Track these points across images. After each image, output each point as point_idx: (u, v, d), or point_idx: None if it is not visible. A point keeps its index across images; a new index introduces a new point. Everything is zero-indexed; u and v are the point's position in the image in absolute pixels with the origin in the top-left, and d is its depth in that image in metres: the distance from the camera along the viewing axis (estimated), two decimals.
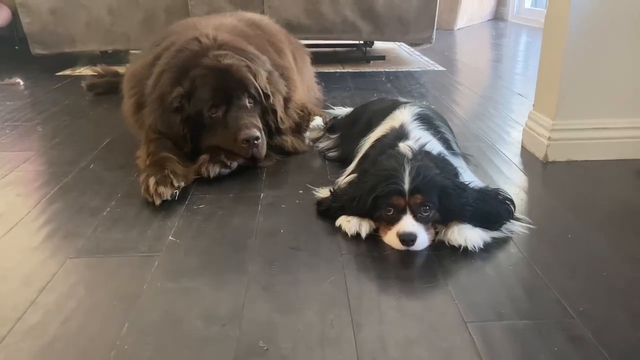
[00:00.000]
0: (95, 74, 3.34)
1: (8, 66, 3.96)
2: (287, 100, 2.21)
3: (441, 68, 4.01)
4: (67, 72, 3.84)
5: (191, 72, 1.93)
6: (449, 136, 1.78)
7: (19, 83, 3.46)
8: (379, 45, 4.68)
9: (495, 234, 1.49)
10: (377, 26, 3.84)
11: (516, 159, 2.11)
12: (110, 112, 2.76)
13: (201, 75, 1.92)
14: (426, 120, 1.74)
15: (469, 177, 1.63)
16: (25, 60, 4.04)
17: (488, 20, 7.16)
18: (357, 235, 1.49)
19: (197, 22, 2.28)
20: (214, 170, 1.85)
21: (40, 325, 1.15)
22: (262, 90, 2.01)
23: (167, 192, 1.69)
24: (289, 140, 2.16)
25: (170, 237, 1.51)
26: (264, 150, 1.97)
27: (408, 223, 1.41)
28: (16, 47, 4.34)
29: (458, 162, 1.66)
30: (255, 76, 2.00)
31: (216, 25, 2.22)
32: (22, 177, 1.97)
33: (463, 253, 1.41)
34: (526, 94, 3.10)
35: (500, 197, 1.53)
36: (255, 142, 1.90)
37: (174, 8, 3.74)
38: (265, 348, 1.08)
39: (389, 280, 1.32)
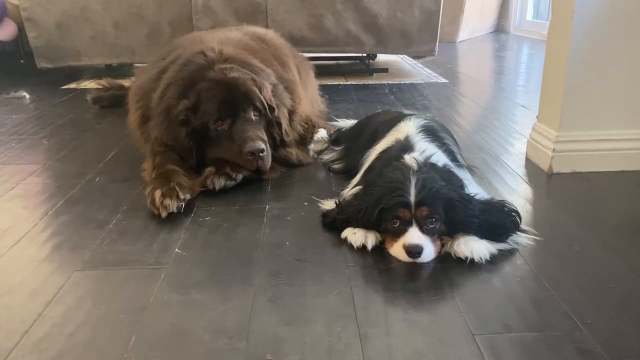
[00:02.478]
0: (101, 87, 3.36)
1: (14, 80, 3.99)
2: (291, 113, 2.22)
3: (444, 80, 4.03)
4: (73, 85, 3.87)
5: (197, 85, 1.94)
6: (454, 148, 1.79)
7: (24, 96, 3.49)
8: (381, 57, 4.71)
9: (502, 245, 1.49)
10: (380, 39, 3.86)
11: (521, 170, 2.12)
12: (116, 125, 2.78)
13: (207, 89, 1.93)
14: (431, 132, 1.75)
15: (474, 189, 1.63)
16: (30, 74, 4.07)
17: (490, 32, 7.20)
18: (363, 247, 1.49)
19: (203, 36, 2.30)
20: (220, 183, 1.86)
21: (48, 339, 1.15)
22: (267, 103, 2.02)
23: (173, 205, 1.70)
24: (293, 153, 2.17)
25: (176, 250, 1.51)
26: (269, 162, 1.97)
27: (414, 235, 1.41)
28: (22, 61, 4.38)
29: (463, 174, 1.67)
30: (260, 89, 2.01)
31: (222, 39, 2.24)
32: (29, 190, 1.98)
33: (469, 265, 1.41)
34: (529, 106, 3.11)
35: (506, 208, 1.53)
36: (261, 154, 1.91)
37: (178, 22, 3.77)
38: None
39: (395, 292, 1.32)
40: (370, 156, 1.77)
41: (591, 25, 1.93)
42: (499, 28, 7.32)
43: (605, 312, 1.22)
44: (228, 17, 3.68)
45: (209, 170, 1.90)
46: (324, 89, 3.20)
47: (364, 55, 4.32)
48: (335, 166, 2.13)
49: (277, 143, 2.11)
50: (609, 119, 2.05)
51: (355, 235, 1.51)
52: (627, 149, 2.06)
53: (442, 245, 1.47)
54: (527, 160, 2.22)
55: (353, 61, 4.62)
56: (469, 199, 1.49)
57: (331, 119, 2.71)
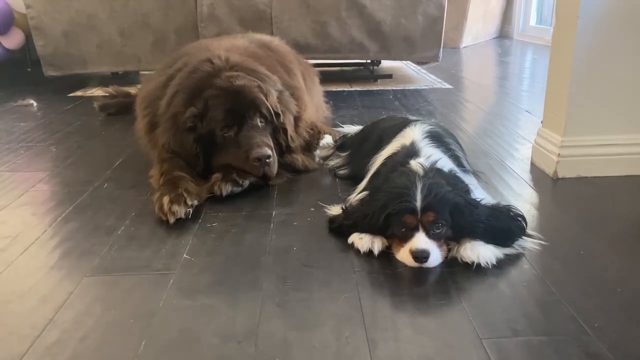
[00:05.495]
0: (107, 94, 3.39)
1: (21, 88, 4.02)
2: (297, 119, 2.24)
3: (448, 86, 4.04)
4: (79, 93, 3.89)
5: (204, 92, 1.96)
6: (459, 153, 1.80)
7: (32, 104, 3.52)
8: (386, 63, 4.73)
9: (508, 250, 1.49)
10: (384, 45, 3.88)
11: (526, 175, 2.12)
12: (122, 132, 2.80)
13: (214, 96, 1.95)
14: (437, 138, 1.76)
15: (480, 194, 1.64)
16: (38, 82, 4.11)
17: (493, 38, 7.21)
18: (370, 252, 1.50)
19: (209, 44, 2.32)
20: (227, 189, 1.87)
21: (59, 344, 1.16)
22: (273, 109, 2.04)
23: (180, 211, 1.71)
24: (299, 159, 2.18)
25: (184, 255, 1.53)
26: (275, 168, 1.99)
27: (421, 240, 1.42)
28: (29, 69, 4.41)
29: (469, 179, 1.68)
30: (266, 96, 2.03)
31: (228, 46, 2.27)
32: (37, 197, 2.00)
33: (476, 270, 1.42)
34: (533, 111, 3.12)
35: (511, 213, 1.54)
36: (267, 160, 1.92)
37: (184, 30, 3.81)
38: None
39: (402, 297, 1.33)
40: (376, 162, 1.78)
41: (595, 31, 1.94)
42: (503, 33, 7.33)
43: (612, 315, 1.23)
44: (233, 24, 3.71)
45: (216, 176, 1.91)
46: (328, 95, 3.22)
47: (368, 61, 4.33)
48: (341, 172, 2.14)
49: (283, 149, 2.13)
50: (613, 123, 2.06)
51: (362, 241, 1.52)
52: (632, 154, 2.06)
53: (449, 250, 1.48)
54: (532, 165, 2.22)
55: (357, 67, 4.64)
56: (475, 204, 1.50)
57: (336, 125, 2.72)
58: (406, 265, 1.44)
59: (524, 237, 1.53)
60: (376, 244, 1.50)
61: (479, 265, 1.42)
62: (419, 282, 1.40)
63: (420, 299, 1.32)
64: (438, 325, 1.21)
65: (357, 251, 1.52)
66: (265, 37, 2.76)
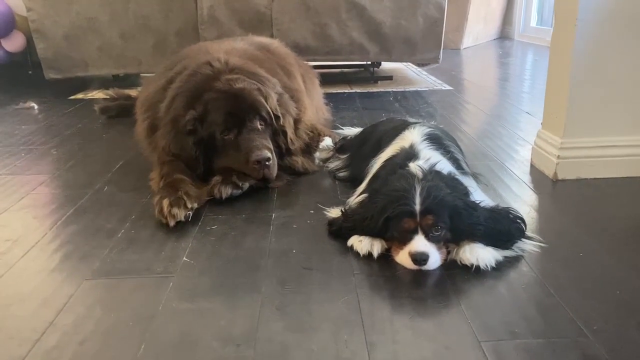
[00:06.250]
0: (108, 97, 3.40)
1: (22, 91, 4.03)
2: (297, 122, 2.24)
3: (448, 87, 4.05)
4: (80, 95, 3.90)
5: (204, 95, 1.97)
6: (458, 156, 1.80)
7: (33, 107, 3.52)
8: (386, 65, 4.73)
9: (507, 252, 1.49)
10: (384, 47, 3.88)
11: (525, 177, 2.12)
12: (123, 135, 2.81)
13: (214, 99, 1.96)
14: (436, 140, 1.76)
15: (479, 196, 1.64)
16: (39, 85, 4.12)
17: (494, 39, 7.21)
18: (369, 255, 1.50)
19: (209, 47, 2.33)
20: (226, 192, 1.88)
21: (59, 347, 1.17)
22: (272, 112, 2.05)
23: (180, 214, 1.71)
24: (299, 161, 2.19)
25: (184, 258, 1.53)
26: (274, 171, 1.99)
27: (420, 243, 1.42)
28: (30, 72, 4.42)
29: (468, 182, 1.68)
30: (266, 99, 2.03)
31: (228, 49, 2.27)
32: (38, 199, 2.00)
33: (475, 272, 1.42)
34: (534, 112, 3.12)
35: (511, 215, 1.54)
36: (267, 163, 1.93)
37: (184, 32, 3.81)
38: None
39: (402, 299, 1.33)
40: (376, 164, 1.78)
41: (594, 32, 1.94)
42: (503, 34, 7.33)
43: (611, 318, 1.23)
44: (233, 27, 3.71)
45: (216, 179, 1.92)
46: (328, 97, 3.22)
47: (369, 63, 4.34)
48: (341, 174, 2.14)
49: (282, 151, 2.13)
50: (613, 125, 2.06)
51: (361, 243, 1.52)
52: (632, 155, 2.06)
53: (448, 253, 1.48)
54: (532, 167, 2.22)
55: (357, 69, 4.64)
56: (474, 206, 1.50)
57: (336, 127, 2.72)
58: (405, 268, 1.44)
59: (523, 240, 1.53)
60: (375, 247, 1.51)
61: (478, 267, 1.42)
62: (418, 284, 1.40)
63: (419, 301, 1.33)
64: (437, 328, 1.21)
65: (357, 254, 1.52)
66: (264, 40, 2.77)
